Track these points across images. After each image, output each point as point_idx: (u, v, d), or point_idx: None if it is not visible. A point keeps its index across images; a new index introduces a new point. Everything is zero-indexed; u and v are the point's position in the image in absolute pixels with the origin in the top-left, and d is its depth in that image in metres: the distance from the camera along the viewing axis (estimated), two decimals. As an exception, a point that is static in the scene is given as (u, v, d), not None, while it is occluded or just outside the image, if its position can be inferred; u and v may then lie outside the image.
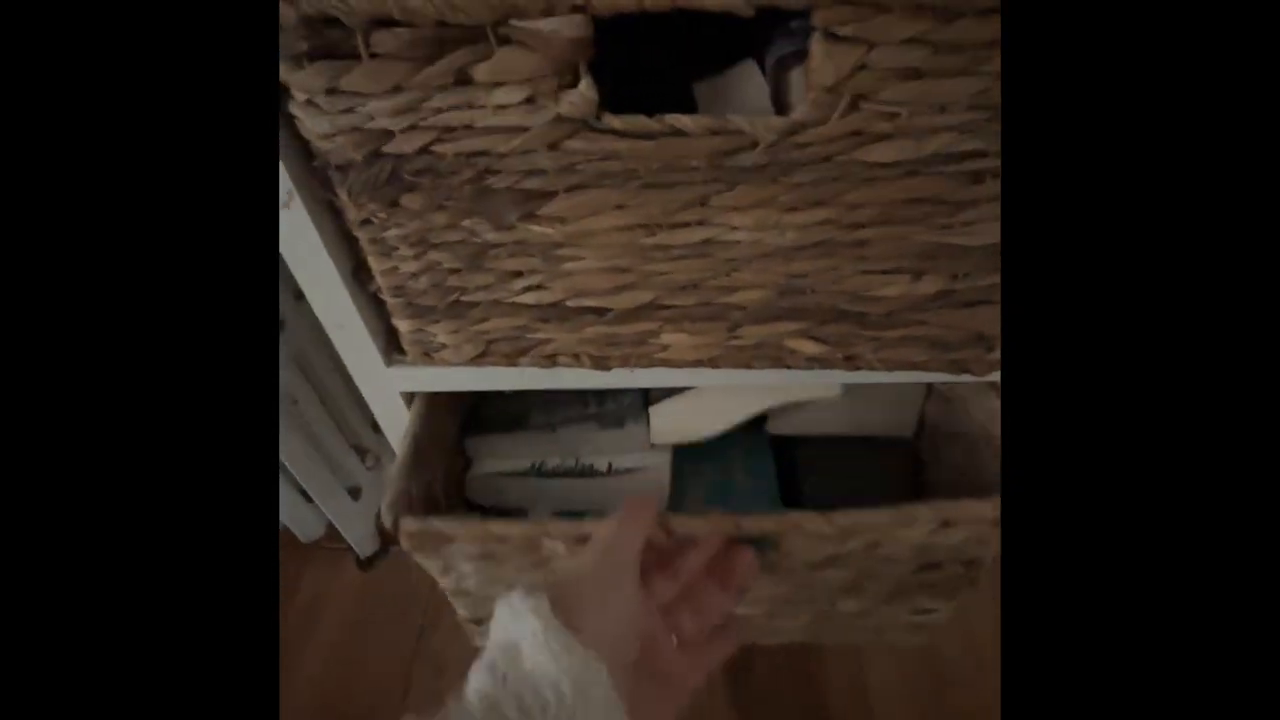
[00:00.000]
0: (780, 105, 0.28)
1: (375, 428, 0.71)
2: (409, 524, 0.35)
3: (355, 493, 0.66)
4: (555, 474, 0.46)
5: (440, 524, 0.35)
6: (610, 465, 0.46)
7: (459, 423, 0.48)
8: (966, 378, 0.36)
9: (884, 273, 0.30)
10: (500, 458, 0.48)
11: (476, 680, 0.22)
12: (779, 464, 0.50)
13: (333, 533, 0.69)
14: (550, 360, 0.36)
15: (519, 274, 0.31)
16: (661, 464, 0.47)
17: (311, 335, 0.60)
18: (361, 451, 0.68)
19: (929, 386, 0.48)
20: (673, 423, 0.44)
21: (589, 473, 0.45)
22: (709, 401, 0.43)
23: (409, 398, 0.41)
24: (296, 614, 0.67)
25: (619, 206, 0.28)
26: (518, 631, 0.23)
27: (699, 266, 0.30)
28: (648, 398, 0.46)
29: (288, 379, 0.57)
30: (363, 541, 0.68)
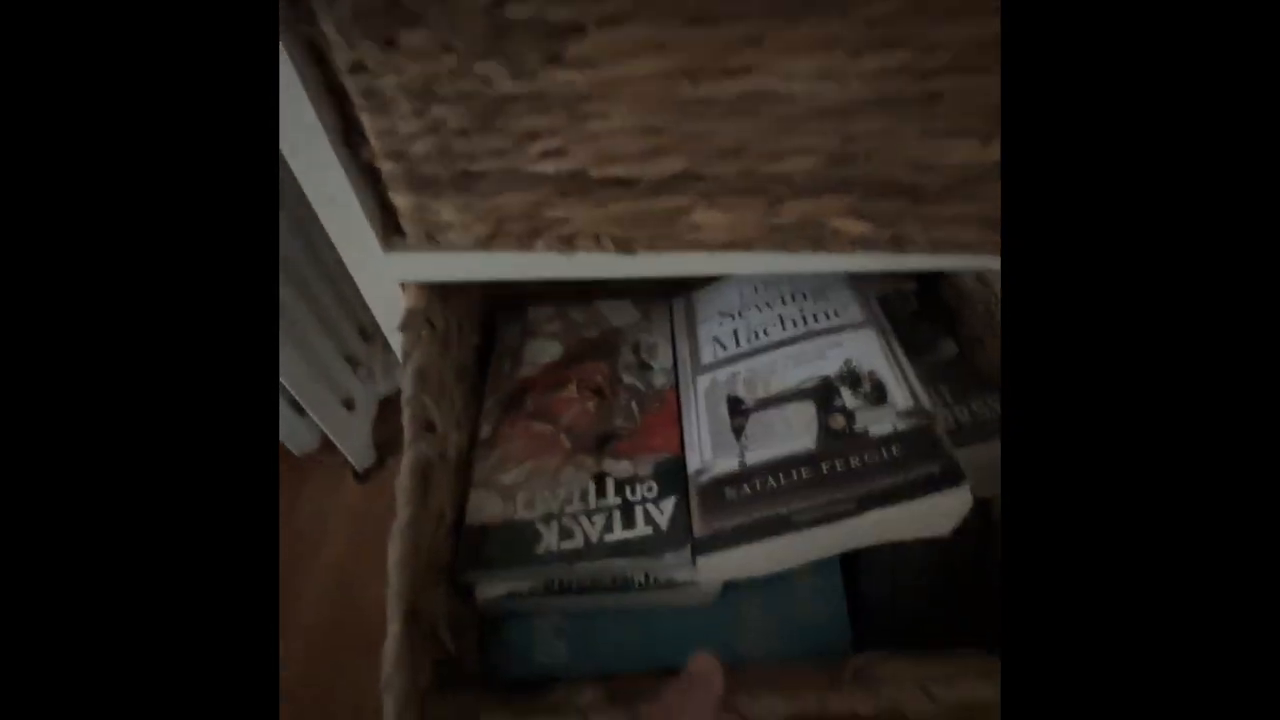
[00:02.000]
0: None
1: (365, 336, 0.67)
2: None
3: (349, 404, 0.64)
4: (579, 590, 0.36)
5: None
6: (648, 576, 0.35)
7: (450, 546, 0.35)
8: (1018, 262, 0.33)
9: (951, 135, 0.27)
10: (506, 583, 0.36)
11: None
12: None
13: (327, 445, 0.66)
14: (568, 243, 0.33)
15: (537, 135, 0.28)
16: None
17: (296, 239, 0.56)
18: (353, 362, 0.65)
19: None
20: (726, 568, 0.34)
21: (623, 587, 0.35)
22: (776, 549, 0.32)
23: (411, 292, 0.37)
24: (297, 531, 0.65)
25: (658, 47, 0.24)
26: None
27: (745, 127, 0.27)
28: (689, 518, 0.34)
29: (270, 281, 0.53)
30: (360, 453, 0.66)
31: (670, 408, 0.40)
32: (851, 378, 0.37)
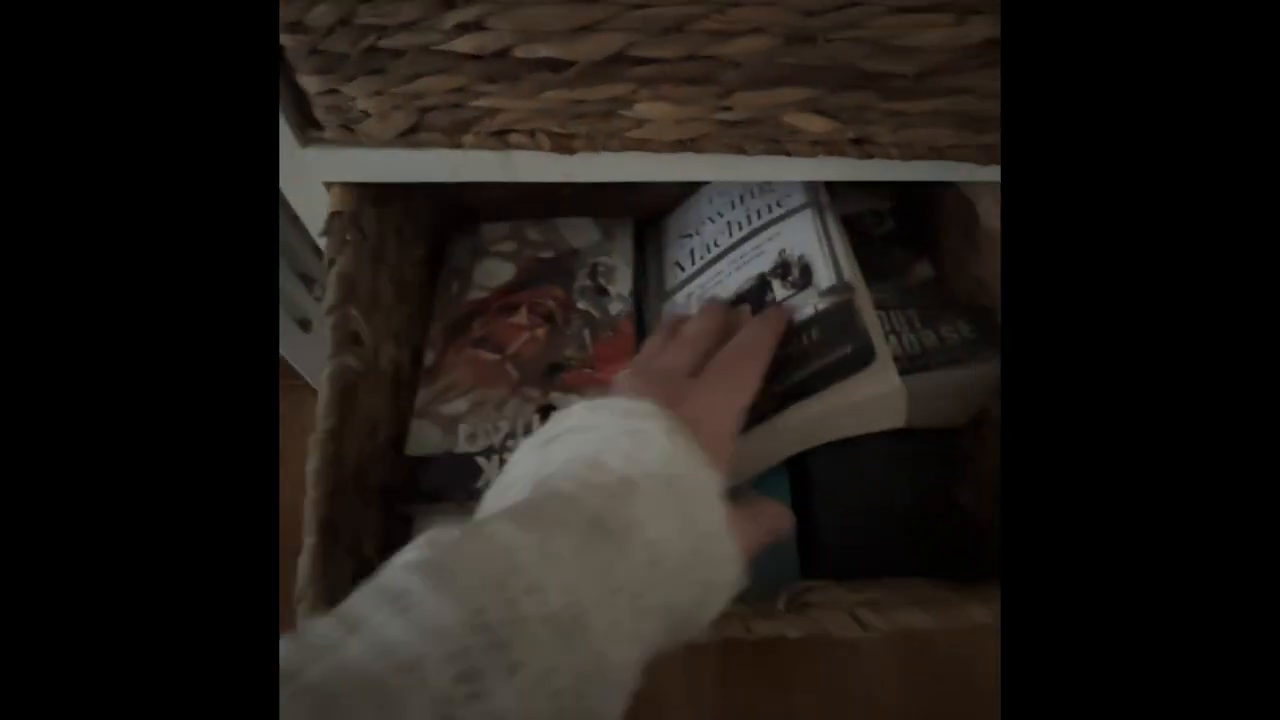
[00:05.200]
0: None
1: (320, 254, 0.64)
2: None
3: (305, 325, 0.61)
4: None
5: None
6: None
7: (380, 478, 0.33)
8: (995, 170, 0.30)
9: (923, 10, 0.24)
10: (443, 518, 0.33)
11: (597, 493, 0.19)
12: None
13: (287, 367, 0.65)
14: (501, 140, 0.30)
15: (451, 3, 0.24)
16: None
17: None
18: (308, 281, 0.62)
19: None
20: None
21: None
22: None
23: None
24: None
25: (578, -114, 0.20)
26: (650, 460, 0.20)
27: (686, -5, 0.23)
28: None
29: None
30: (318, 374, 0.64)
31: (625, 338, 0.38)
32: (783, 268, 0.34)
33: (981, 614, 0.26)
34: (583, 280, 0.41)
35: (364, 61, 0.26)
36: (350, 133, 0.29)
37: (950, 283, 0.40)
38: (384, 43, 0.26)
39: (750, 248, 0.37)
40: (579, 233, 0.44)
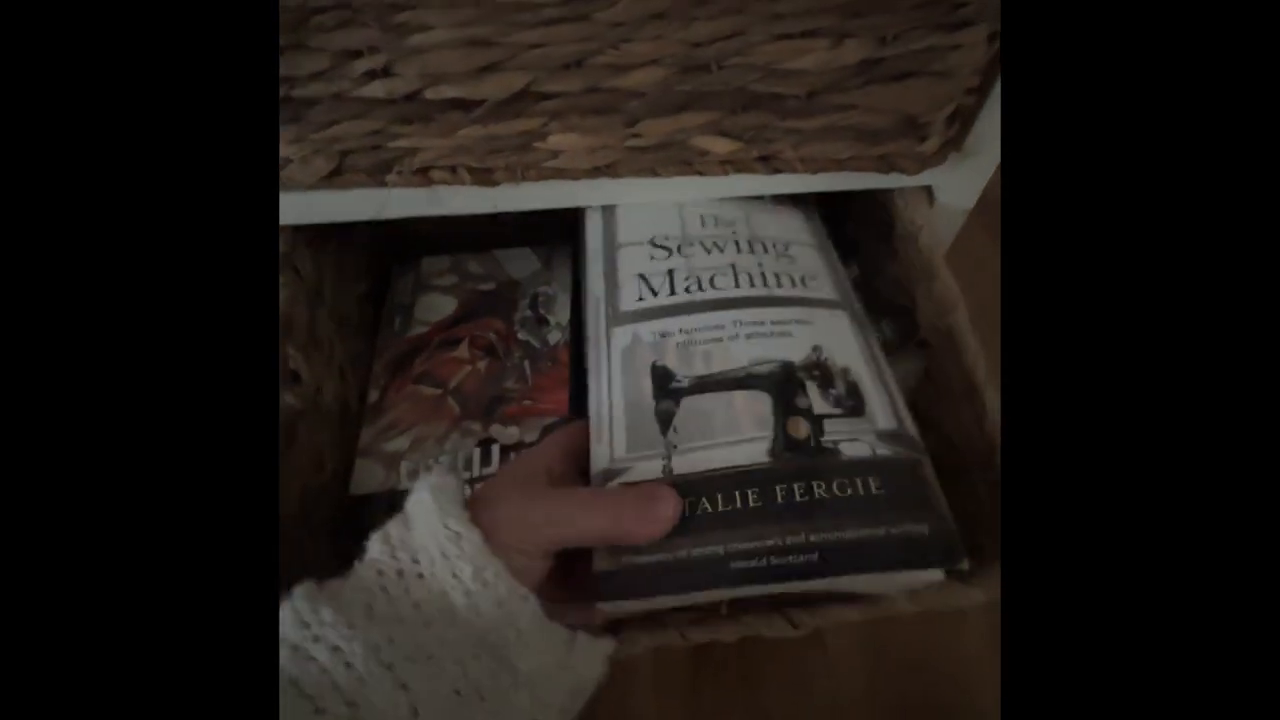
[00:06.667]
0: None
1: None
2: None
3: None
4: None
5: None
6: None
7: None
8: (895, 178, 0.32)
9: (800, 36, 0.25)
10: None
11: (371, 548, 0.24)
12: None
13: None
14: (424, 176, 0.31)
15: (358, 54, 0.25)
16: None
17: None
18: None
19: (925, 373, 0.35)
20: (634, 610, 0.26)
21: None
22: (704, 596, 0.25)
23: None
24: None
25: (462, -59, 0.22)
26: (413, 505, 0.24)
27: (578, 34, 0.25)
28: None
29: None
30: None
31: (562, 367, 0.38)
32: (821, 372, 0.27)
33: (904, 604, 0.27)
34: (524, 310, 0.42)
35: (280, 111, 0.27)
36: (275, 178, 0.30)
37: (872, 283, 0.42)
38: (297, 92, 0.27)
39: (771, 320, 0.29)
40: (519, 263, 0.44)
